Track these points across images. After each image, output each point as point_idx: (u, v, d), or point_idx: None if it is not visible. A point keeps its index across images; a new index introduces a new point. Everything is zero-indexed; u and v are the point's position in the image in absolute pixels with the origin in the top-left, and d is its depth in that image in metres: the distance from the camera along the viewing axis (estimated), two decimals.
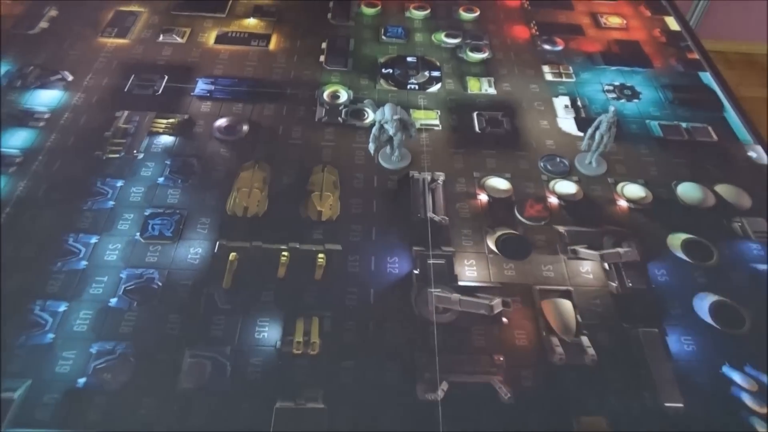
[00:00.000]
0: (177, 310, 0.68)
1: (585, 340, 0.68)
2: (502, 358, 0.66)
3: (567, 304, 0.71)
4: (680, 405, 0.63)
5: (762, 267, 0.77)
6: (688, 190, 0.86)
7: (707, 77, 1.09)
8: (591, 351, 0.66)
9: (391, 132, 0.82)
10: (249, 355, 0.65)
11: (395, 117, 0.81)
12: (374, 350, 0.66)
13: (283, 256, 0.75)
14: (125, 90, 0.97)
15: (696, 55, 1.15)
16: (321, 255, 0.75)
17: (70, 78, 0.99)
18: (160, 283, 0.71)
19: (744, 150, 0.94)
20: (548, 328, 0.69)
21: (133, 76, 1.00)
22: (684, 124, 0.98)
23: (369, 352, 0.66)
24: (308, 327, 0.67)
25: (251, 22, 1.14)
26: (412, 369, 0.65)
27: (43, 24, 1.10)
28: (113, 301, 0.68)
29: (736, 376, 0.65)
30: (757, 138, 0.96)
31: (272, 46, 1.09)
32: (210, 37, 1.10)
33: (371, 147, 0.84)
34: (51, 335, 0.65)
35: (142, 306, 0.68)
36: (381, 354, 0.66)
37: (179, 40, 1.08)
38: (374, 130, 0.83)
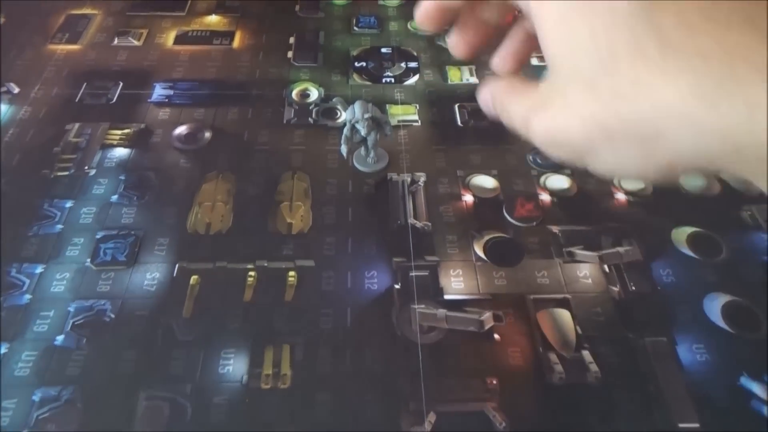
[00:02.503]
0: (131, 346, 0.61)
1: (587, 355, 0.61)
2: (495, 381, 0.59)
3: (565, 315, 0.64)
4: (696, 425, 0.56)
5: None
6: (690, 178, 0.79)
7: None
8: (594, 368, 0.59)
9: (363, 132, 0.75)
10: (212, 393, 0.58)
11: (366, 116, 0.73)
12: (352, 380, 0.59)
13: (250, 276, 0.68)
14: (76, 100, 0.90)
15: None
16: (292, 273, 0.68)
17: (16, 90, 0.91)
18: (112, 315, 0.63)
19: None
20: (545, 343, 0.62)
21: (85, 84, 0.92)
22: None
23: (347, 382, 0.59)
24: (278, 357, 0.61)
25: (213, 20, 1.06)
26: (395, 399, 0.58)
27: None
28: (59, 339, 0.61)
29: (756, 387, 0.58)
30: None
31: (236, 43, 1.01)
32: (169, 38, 1.02)
33: (343, 149, 0.77)
34: None
35: (91, 343, 0.61)
36: (360, 383, 0.59)
37: (135, 42, 1.00)
38: (345, 130, 0.76)
